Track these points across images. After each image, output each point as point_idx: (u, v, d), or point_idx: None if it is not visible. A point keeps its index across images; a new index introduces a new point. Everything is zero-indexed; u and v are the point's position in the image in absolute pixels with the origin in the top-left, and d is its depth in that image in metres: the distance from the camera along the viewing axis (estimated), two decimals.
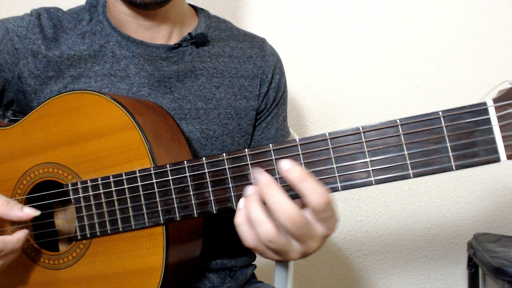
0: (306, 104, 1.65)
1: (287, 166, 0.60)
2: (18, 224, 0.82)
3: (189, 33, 0.98)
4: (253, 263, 1.10)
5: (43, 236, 0.84)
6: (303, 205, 0.63)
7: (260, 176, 0.61)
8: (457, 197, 1.67)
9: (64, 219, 0.89)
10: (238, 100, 1.00)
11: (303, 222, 0.59)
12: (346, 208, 1.68)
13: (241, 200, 0.63)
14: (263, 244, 0.62)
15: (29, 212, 0.76)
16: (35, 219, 0.80)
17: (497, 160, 0.56)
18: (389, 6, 1.62)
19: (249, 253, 1.08)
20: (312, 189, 0.59)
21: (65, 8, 1.02)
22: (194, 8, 1.08)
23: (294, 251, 0.63)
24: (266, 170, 0.63)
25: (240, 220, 0.63)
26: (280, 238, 0.60)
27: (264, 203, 0.61)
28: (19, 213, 0.75)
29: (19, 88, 0.94)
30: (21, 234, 0.76)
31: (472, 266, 1.50)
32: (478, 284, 1.51)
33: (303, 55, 1.63)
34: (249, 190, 0.62)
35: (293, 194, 0.62)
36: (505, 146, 0.56)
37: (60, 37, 0.96)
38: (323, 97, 1.65)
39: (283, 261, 0.67)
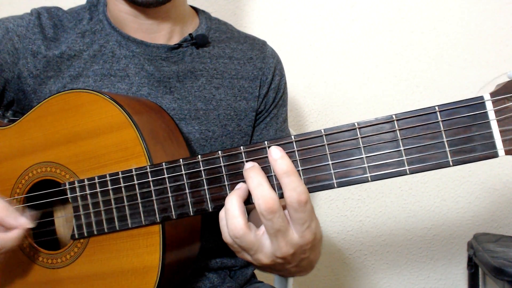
0: (306, 104, 1.65)
1: (276, 155, 0.61)
2: None
3: (190, 34, 0.98)
4: None
5: (42, 235, 0.84)
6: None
7: (247, 163, 0.62)
8: (457, 197, 1.67)
9: (63, 218, 0.89)
10: (237, 101, 0.99)
11: (278, 208, 0.60)
12: (346, 208, 1.68)
13: None
14: (234, 240, 0.63)
15: (23, 223, 0.74)
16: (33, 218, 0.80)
17: (495, 155, 0.56)
18: (389, 6, 1.62)
19: None
20: (293, 185, 0.60)
21: (65, 8, 1.01)
22: (195, 9, 1.08)
23: (264, 252, 0.63)
24: (262, 168, 0.63)
25: (221, 214, 0.64)
26: (248, 235, 0.62)
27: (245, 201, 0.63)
28: (12, 221, 0.74)
29: (19, 88, 0.94)
30: (18, 231, 0.75)
31: (472, 266, 1.50)
32: (478, 284, 1.51)
33: (303, 55, 1.63)
34: (238, 185, 0.64)
35: (279, 193, 0.63)
36: (503, 141, 0.55)
37: (60, 37, 0.96)
38: (323, 97, 1.65)
39: (256, 265, 0.68)
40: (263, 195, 0.60)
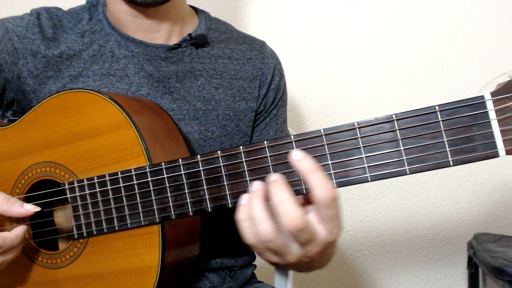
0: (306, 104, 1.65)
1: (298, 156, 0.59)
2: (17, 222, 0.82)
3: (189, 34, 0.98)
4: (253, 263, 1.10)
5: (42, 235, 0.84)
6: (307, 202, 0.62)
7: (271, 175, 0.60)
8: (457, 197, 1.67)
9: (63, 218, 0.89)
10: (237, 101, 0.99)
11: (304, 226, 0.58)
12: (346, 208, 1.68)
13: (244, 196, 0.62)
14: (262, 243, 0.61)
15: (30, 208, 0.76)
16: (33, 217, 0.80)
17: (495, 155, 0.56)
18: (389, 6, 1.62)
19: (249, 253, 1.08)
20: (320, 182, 0.58)
21: (65, 8, 1.01)
22: (195, 9, 1.08)
23: (293, 254, 0.62)
24: (261, 168, 0.63)
25: (242, 216, 0.62)
26: (278, 239, 0.60)
27: (267, 201, 0.60)
28: (19, 209, 0.76)
29: (18, 88, 0.94)
30: (19, 230, 0.76)
31: (472, 266, 1.50)
32: (478, 284, 1.51)
33: (303, 55, 1.63)
34: (255, 185, 0.61)
35: (298, 189, 0.61)
36: (504, 141, 0.55)
37: (60, 37, 0.96)
38: (323, 97, 1.65)
39: (281, 264, 0.66)
40: (287, 213, 0.57)
